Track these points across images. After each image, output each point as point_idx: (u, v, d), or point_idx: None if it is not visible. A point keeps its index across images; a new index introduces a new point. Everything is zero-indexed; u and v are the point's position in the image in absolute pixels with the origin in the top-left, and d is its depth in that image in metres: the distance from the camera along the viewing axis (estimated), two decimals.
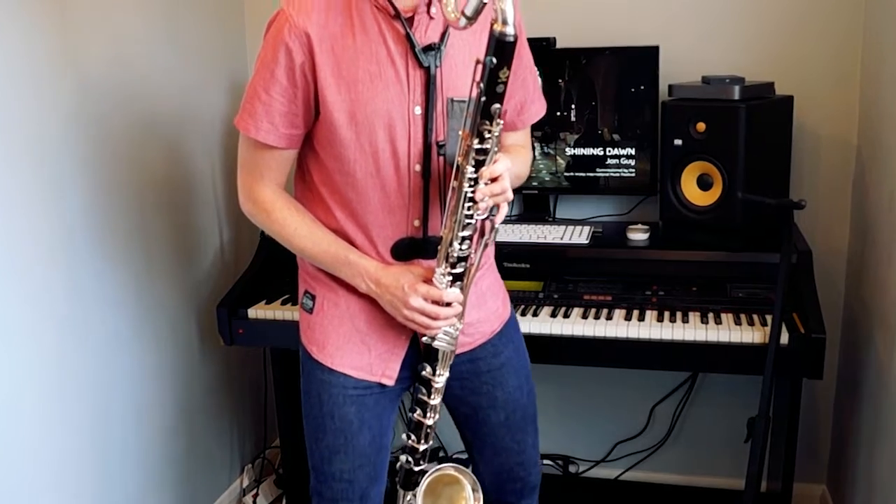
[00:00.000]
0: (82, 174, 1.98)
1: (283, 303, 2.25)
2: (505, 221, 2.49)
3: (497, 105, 1.30)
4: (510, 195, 1.40)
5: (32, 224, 1.83)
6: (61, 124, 1.90)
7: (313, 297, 1.59)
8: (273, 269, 2.36)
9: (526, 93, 1.60)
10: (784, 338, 1.91)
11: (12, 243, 1.77)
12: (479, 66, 1.29)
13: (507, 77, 1.28)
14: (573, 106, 2.37)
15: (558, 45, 2.37)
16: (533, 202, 2.54)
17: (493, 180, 1.36)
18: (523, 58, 1.58)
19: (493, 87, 1.29)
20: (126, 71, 2.13)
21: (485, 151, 1.34)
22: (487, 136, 1.33)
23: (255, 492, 2.73)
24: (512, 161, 1.45)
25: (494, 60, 1.26)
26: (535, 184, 2.45)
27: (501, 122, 1.33)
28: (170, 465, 2.38)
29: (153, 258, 2.26)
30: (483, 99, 1.30)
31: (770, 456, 2.21)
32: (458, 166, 1.37)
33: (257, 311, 2.23)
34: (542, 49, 2.32)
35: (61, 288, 1.92)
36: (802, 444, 2.23)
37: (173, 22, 2.33)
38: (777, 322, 1.88)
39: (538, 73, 1.67)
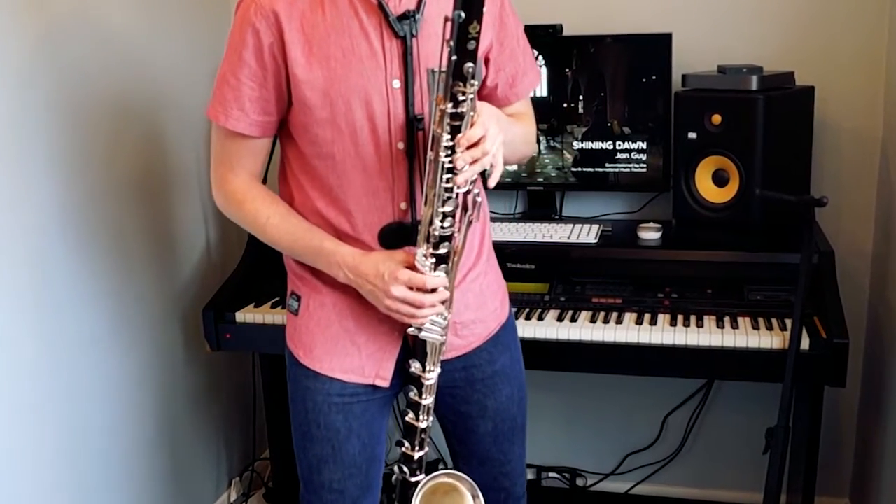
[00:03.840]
0: (55, 167, 1.97)
1: (273, 306, 2.25)
2: (508, 219, 2.51)
3: (470, 64, 1.29)
4: (498, 160, 1.37)
5: (1, 221, 1.82)
6: (33, 113, 1.90)
7: (299, 298, 1.60)
8: (263, 270, 2.36)
9: (516, 65, 1.60)
10: (804, 343, 1.91)
11: None
12: (448, 24, 1.28)
13: (479, 32, 1.27)
14: (581, 97, 2.37)
15: (565, 33, 2.37)
16: (538, 199, 2.54)
17: (473, 146, 1.34)
18: (509, 27, 1.57)
19: (463, 44, 1.27)
20: (103, 56, 2.12)
21: (460, 116, 1.32)
22: (461, 98, 1.31)
23: None
24: (510, 123, 1.47)
25: (463, 14, 1.25)
26: (540, 180, 2.45)
27: (476, 82, 1.31)
28: (152, 479, 2.38)
29: (134, 258, 2.26)
30: (454, 58, 1.28)
31: (790, 468, 2.21)
32: (433, 135, 1.36)
33: (246, 315, 2.23)
34: (548, 36, 2.33)
35: (34, 290, 1.92)
36: (824, 455, 2.23)
37: (153, 4, 2.33)
38: (797, 326, 1.88)
39: (530, 46, 1.65)
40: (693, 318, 2.05)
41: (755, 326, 2.00)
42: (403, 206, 1.49)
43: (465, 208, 1.41)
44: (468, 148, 1.33)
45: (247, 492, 2.79)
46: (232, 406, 2.76)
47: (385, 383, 1.57)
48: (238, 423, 2.80)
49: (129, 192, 2.23)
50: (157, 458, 2.40)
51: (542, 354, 1.87)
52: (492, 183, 1.39)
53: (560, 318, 2.10)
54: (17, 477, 1.88)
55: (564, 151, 2.41)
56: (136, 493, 2.31)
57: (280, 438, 2.50)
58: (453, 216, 1.39)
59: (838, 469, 2.55)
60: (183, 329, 2.49)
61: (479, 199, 1.41)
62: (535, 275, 2.22)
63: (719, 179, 2.18)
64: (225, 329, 2.22)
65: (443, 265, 1.43)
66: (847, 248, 2.38)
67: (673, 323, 2.04)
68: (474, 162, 1.34)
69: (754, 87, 2.10)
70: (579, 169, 2.42)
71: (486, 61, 1.56)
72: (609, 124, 2.37)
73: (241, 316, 2.23)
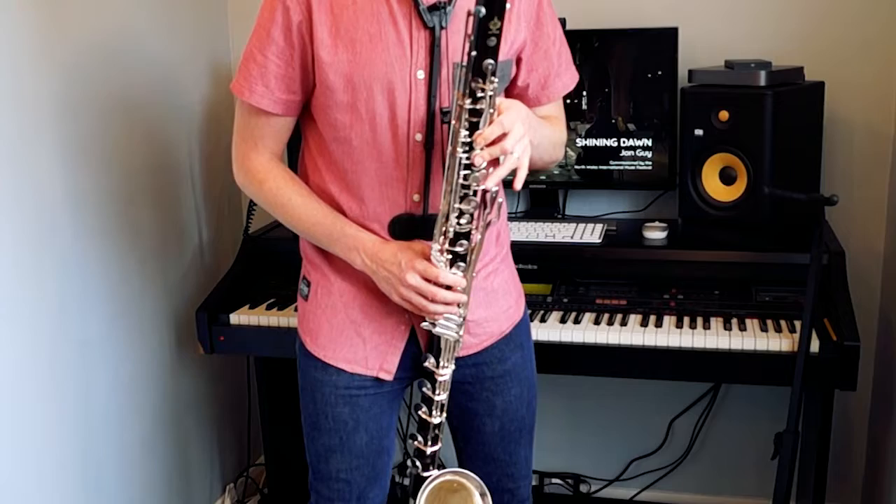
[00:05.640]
0: (51, 167, 1.97)
1: (269, 307, 2.25)
2: (510, 218, 2.51)
3: (490, 61, 1.30)
4: (523, 162, 1.37)
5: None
6: (32, 113, 1.90)
7: (309, 284, 1.63)
8: (258, 270, 2.36)
9: (549, 65, 1.62)
10: (814, 346, 1.90)
11: None
12: (471, 18, 1.30)
13: (500, 29, 1.28)
14: (584, 93, 2.36)
15: (568, 27, 2.36)
16: (541, 198, 2.54)
17: (492, 145, 1.34)
18: (545, 27, 1.59)
19: (483, 39, 1.29)
20: (100, 53, 2.12)
21: (478, 113, 1.34)
22: (480, 94, 1.32)
23: None
24: (540, 124, 1.49)
25: (483, 10, 1.26)
26: (542, 177, 2.45)
27: (496, 80, 1.32)
28: (144, 485, 2.38)
29: (126, 258, 2.26)
30: (473, 53, 1.30)
31: (799, 474, 2.21)
32: (452, 130, 1.37)
33: (240, 317, 2.23)
34: None
35: (25, 291, 1.92)
36: (834, 461, 2.23)
37: (153, 1, 2.33)
38: (807, 329, 1.88)
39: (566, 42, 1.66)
40: (700, 320, 2.05)
41: (763, 328, 1.99)
42: (416, 198, 1.51)
43: (483, 206, 1.42)
44: (487, 146, 1.33)
45: (241, 498, 2.79)
46: (226, 410, 2.76)
47: (388, 377, 1.59)
48: (232, 427, 2.79)
49: (122, 191, 2.23)
50: (150, 464, 2.40)
51: (545, 357, 1.86)
52: (517, 185, 1.39)
53: (563, 320, 2.09)
54: (20, 479, 1.88)
55: (568, 149, 2.41)
56: (130, 498, 2.31)
57: (276, 444, 2.50)
58: (470, 214, 1.40)
59: (849, 475, 2.55)
60: (176, 331, 2.48)
61: (498, 199, 1.42)
62: (538, 275, 2.22)
63: (727, 177, 2.18)
64: (219, 331, 2.22)
65: (459, 263, 1.44)
66: (858, 247, 2.37)
67: (679, 325, 2.03)
68: (495, 161, 1.35)
69: (763, 82, 2.10)
70: (583, 167, 2.42)
71: (519, 60, 1.58)
72: (613, 121, 2.37)
73: (235, 318, 2.23)
